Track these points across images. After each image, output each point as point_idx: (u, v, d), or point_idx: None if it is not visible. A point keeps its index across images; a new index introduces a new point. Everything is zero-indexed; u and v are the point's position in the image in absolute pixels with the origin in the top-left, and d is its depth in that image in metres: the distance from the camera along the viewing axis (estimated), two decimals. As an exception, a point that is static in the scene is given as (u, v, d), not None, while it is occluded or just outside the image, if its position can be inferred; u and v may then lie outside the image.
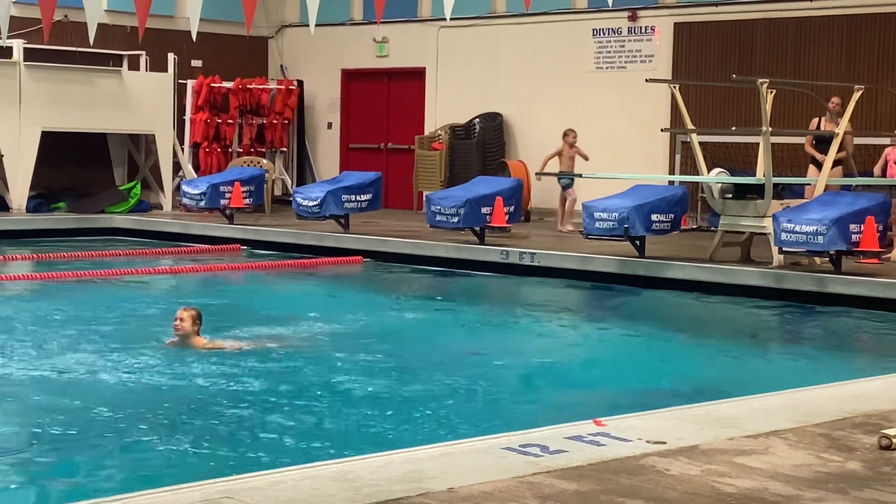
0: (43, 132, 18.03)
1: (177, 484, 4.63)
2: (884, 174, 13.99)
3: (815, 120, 14.93)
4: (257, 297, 12.88)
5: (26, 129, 17.94)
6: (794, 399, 6.34)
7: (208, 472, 5.62)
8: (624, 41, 18.20)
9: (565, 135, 16.96)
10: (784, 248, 12.22)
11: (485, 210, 14.55)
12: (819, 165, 14.61)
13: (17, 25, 17.86)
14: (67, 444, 6.43)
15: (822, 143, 14.64)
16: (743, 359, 9.56)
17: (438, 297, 13.14)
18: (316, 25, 11.40)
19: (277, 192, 20.63)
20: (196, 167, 19.98)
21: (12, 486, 5.67)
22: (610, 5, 15.78)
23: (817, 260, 12.57)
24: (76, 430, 6.68)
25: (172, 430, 6.71)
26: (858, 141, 15.19)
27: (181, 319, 8.63)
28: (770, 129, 12.86)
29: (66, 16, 18.24)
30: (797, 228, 11.93)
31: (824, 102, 14.61)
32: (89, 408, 7.13)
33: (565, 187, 16.83)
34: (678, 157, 17.17)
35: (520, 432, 5.42)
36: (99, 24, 11.69)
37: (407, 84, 20.82)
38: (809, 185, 14.20)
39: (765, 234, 12.79)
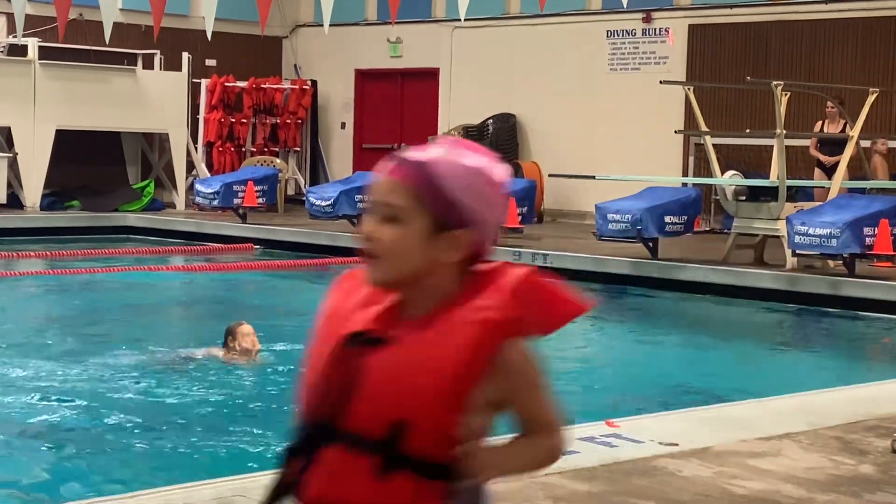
0: (57, 130, 18.08)
1: (190, 482, 4.64)
2: None
3: (819, 123, 14.92)
4: (270, 296, 12.89)
5: (41, 127, 17.99)
6: (806, 402, 6.33)
7: (221, 471, 5.63)
8: (638, 43, 18.18)
9: (873, 142, 15.55)
10: (797, 251, 12.20)
11: (498, 211, 14.52)
12: (824, 168, 14.62)
13: (33, 24, 17.92)
14: (82, 441, 6.45)
15: (827, 145, 14.64)
16: (756, 361, 9.54)
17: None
18: (330, 25, 11.44)
19: (290, 191, 20.66)
20: (209, 166, 20.01)
21: (29, 481, 5.69)
22: (624, 7, 15.78)
23: (831, 263, 12.54)
24: (90, 427, 6.70)
25: (186, 430, 6.72)
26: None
27: (252, 333, 8.31)
28: (784, 131, 12.84)
29: (81, 14, 18.30)
30: (811, 231, 11.91)
31: (833, 103, 14.57)
32: (103, 407, 7.15)
33: None
34: (692, 158, 17.15)
35: (532, 433, 5.40)
36: (114, 23, 11.73)
37: (420, 84, 20.83)
38: (821, 187, 14.19)
39: (778, 236, 12.77)
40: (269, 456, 6.10)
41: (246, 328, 8.33)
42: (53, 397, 7.37)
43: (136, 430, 6.64)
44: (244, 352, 8.23)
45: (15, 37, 16.57)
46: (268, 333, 9.89)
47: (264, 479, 4.50)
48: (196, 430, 6.72)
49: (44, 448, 6.33)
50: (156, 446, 6.34)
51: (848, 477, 4.84)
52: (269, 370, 8.27)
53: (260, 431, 6.70)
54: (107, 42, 11.92)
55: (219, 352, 8.38)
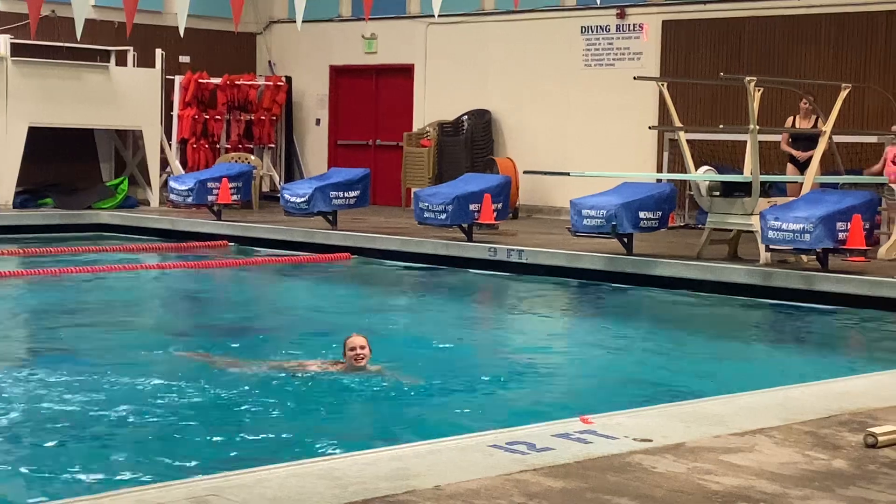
0: (30, 128, 17.96)
1: (163, 481, 4.62)
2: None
3: (790, 118, 15.00)
4: (245, 293, 12.86)
5: (13, 125, 17.87)
6: (780, 397, 6.35)
7: (195, 470, 5.62)
8: (612, 39, 18.21)
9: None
10: (771, 246, 12.24)
11: (473, 207, 14.55)
12: (797, 163, 14.69)
13: (4, 20, 17.81)
14: (56, 440, 6.41)
15: (799, 140, 14.73)
16: (730, 356, 9.57)
17: (426, 295, 13.15)
18: (304, 21, 11.40)
19: (265, 188, 20.60)
20: (183, 163, 19.94)
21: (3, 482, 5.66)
22: (598, 3, 15.81)
23: (804, 258, 12.60)
24: (66, 427, 6.67)
25: (160, 429, 6.70)
26: (845, 139, 15.22)
27: (361, 347, 7.96)
28: (757, 127, 12.88)
29: (53, 11, 18.18)
30: (784, 226, 11.96)
31: (807, 100, 14.63)
32: (76, 406, 7.12)
33: None
34: (666, 154, 17.18)
35: (507, 430, 5.42)
36: (86, 20, 11.65)
37: (395, 81, 20.80)
38: (794, 182, 14.25)
39: (752, 231, 12.81)
40: (244, 456, 6.08)
41: (352, 340, 8.02)
42: (27, 397, 7.33)
43: (109, 430, 6.61)
44: (350, 364, 7.96)
45: (-14, 34, 16.46)
46: (243, 330, 9.88)
47: (238, 479, 4.51)
48: (168, 429, 6.70)
49: (18, 448, 6.29)
50: (128, 446, 6.32)
51: (821, 472, 4.86)
52: (239, 368, 8.24)
53: (233, 430, 6.68)
54: (79, 39, 11.82)
55: (336, 365, 8.09)
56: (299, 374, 7.95)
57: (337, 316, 11.02)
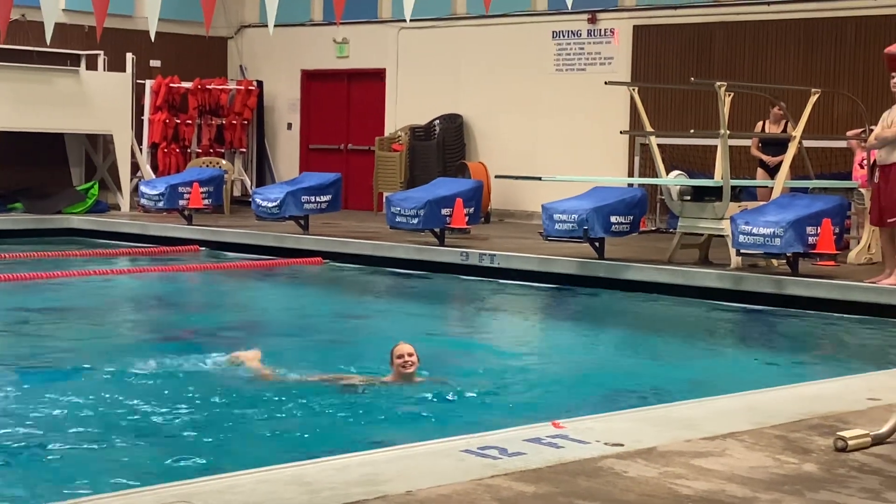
0: (-1, 132, 17.88)
1: (132, 488, 4.59)
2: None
3: (760, 123, 15.09)
4: (215, 298, 12.81)
5: (-18, 129, 17.77)
6: (750, 401, 6.37)
7: (163, 476, 5.58)
8: (583, 43, 18.25)
9: None
10: (742, 251, 12.29)
11: (445, 211, 14.55)
12: (767, 168, 14.77)
13: (-27, 24, 17.65)
14: (20, 447, 6.36)
15: (769, 145, 14.81)
16: (700, 360, 9.60)
17: (398, 299, 13.13)
18: (275, 26, 11.37)
19: (237, 192, 20.55)
20: (154, 168, 19.87)
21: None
22: (569, 8, 15.84)
23: (774, 262, 12.65)
24: (30, 434, 6.62)
25: (128, 434, 6.66)
26: (814, 144, 15.30)
27: (409, 355, 7.85)
28: (728, 131, 12.94)
29: (23, 15, 18.09)
30: (754, 231, 12.00)
31: (780, 106, 14.70)
32: (40, 413, 7.07)
33: None
34: (637, 159, 17.24)
35: (478, 434, 5.41)
36: (56, 24, 11.60)
37: (367, 85, 20.79)
38: (764, 187, 14.33)
39: (723, 236, 12.86)
40: (212, 461, 6.06)
41: (399, 349, 7.91)
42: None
43: (77, 436, 6.56)
44: (398, 374, 7.86)
45: (-45, 37, 16.36)
46: (213, 335, 9.83)
47: (208, 485, 4.48)
48: (136, 434, 6.67)
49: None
50: (95, 452, 6.27)
51: (791, 476, 4.88)
52: (210, 373, 8.20)
53: (202, 436, 6.65)
54: (48, 43, 11.77)
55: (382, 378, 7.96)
56: (329, 387, 7.88)
57: (307, 320, 10.98)
